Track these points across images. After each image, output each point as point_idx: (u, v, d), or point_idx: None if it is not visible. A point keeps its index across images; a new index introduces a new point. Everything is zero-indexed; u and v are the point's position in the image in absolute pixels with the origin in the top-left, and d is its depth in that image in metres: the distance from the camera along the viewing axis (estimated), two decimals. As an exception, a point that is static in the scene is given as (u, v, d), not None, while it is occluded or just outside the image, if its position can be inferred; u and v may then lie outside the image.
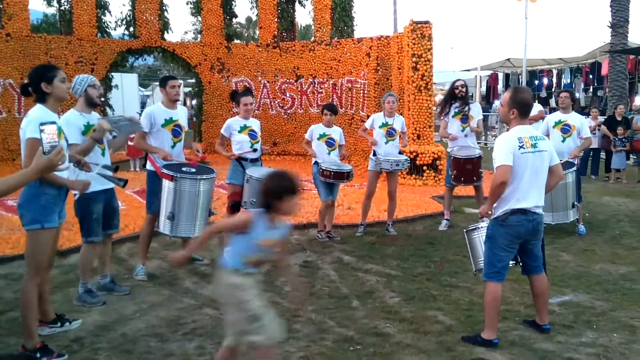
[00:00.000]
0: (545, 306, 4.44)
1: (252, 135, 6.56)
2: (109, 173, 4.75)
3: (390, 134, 7.50)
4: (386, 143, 7.51)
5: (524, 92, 4.33)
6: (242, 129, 6.53)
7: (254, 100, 6.72)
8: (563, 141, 7.43)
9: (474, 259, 4.80)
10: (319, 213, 7.40)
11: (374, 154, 7.53)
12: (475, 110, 7.83)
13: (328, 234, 7.35)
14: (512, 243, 4.22)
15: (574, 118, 7.58)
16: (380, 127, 7.53)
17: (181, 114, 5.96)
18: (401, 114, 12.67)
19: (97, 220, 4.97)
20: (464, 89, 7.76)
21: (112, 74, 16.48)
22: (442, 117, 7.98)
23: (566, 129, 7.49)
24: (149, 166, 5.85)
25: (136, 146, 5.99)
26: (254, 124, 6.65)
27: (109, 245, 5.43)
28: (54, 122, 3.30)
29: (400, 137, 7.63)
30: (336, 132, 7.41)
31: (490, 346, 4.14)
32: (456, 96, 7.77)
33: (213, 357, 4.02)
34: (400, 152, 7.71)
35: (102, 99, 5.28)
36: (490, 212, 4.31)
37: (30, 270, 4.02)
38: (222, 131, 6.61)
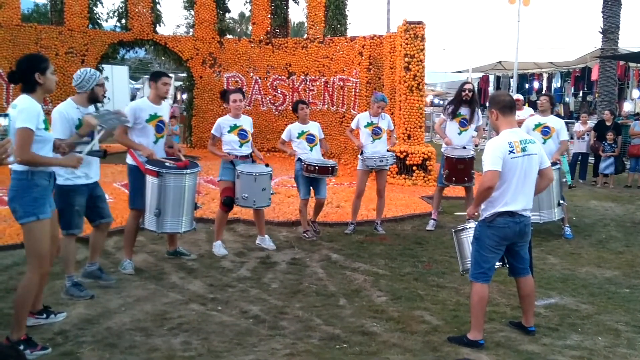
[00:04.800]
0: (531, 308, 4.46)
1: (242, 135, 6.52)
2: (91, 148, 4.64)
3: (376, 132, 7.50)
4: (372, 142, 7.51)
5: (499, 93, 4.66)
6: (232, 128, 6.48)
7: (244, 98, 6.61)
8: (544, 143, 7.45)
9: (461, 259, 4.81)
10: (299, 212, 7.37)
11: (362, 154, 7.54)
12: (476, 117, 7.81)
13: (313, 225, 7.36)
14: (498, 244, 4.23)
15: (553, 120, 7.67)
16: (365, 126, 7.53)
17: (165, 110, 5.89)
18: (392, 114, 12.73)
19: (78, 212, 4.93)
20: (470, 93, 7.71)
21: (103, 65, 16.36)
22: (443, 115, 7.94)
23: (546, 131, 7.57)
24: (130, 161, 5.72)
25: (118, 142, 5.73)
26: (245, 122, 6.60)
27: (104, 234, 5.39)
28: (6, 115, 3.30)
29: (388, 135, 7.62)
30: (314, 127, 7.36)
31: (476, 347, 4.15)
32: (462, 99, 7.72)
33: (198, 353, 4.01)
34: (388, 151, 7.71)
35: (105, 96, 5.23)
36: (477, 214, 4.34)
37: (33, 263, 3.98)
38: (212, 131, 6.55)
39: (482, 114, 8.66)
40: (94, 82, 4.91)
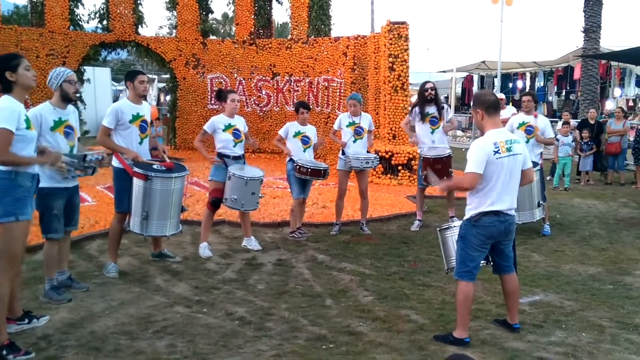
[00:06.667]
0: (515, 306, 4.49)
1: (236, 134, 6.52)
2: (75, 161, 4.61)
3: (358, 132, 7.51)
4: (354, 142, 7.52)
5: (483, 92, 4.62)
6: (227, 127, 6.48)
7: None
8: (527, 142, 7.50)
9: (446, 257, 4.82)
10: (291, 212, 7.36)
11: (343, 153, 7.54)
12: (445, 113, 7.81)
13: (299, 229, 7.34)
14: (484, 243, 4.25)
15: (538, 119, 7.70)
16: (347, 126, 7.55)
17: (146, 110, 5.82)
18: (376, 114, 12.75)
19: (57, 216, 4.87)
20: (433, 92, 7.76)
21: (85, 67, 16.18)
22: (410, 117, 7.99)
23: (530, 130, 7.61)
24: (116, 163, 5.65)
25: (101, 144, 5.67)
26: (239, 122, 6.61)
27: (67, 242, 5.30)
28: None
29: (367, 135, 7.63)
30: (311, 131, 7.40)
31: (461, 345, 4.17)
32: (426, 99, 7.77)
33: (183, 356, 3.98)
34: (368, 151, 7.72)
35: (78, 94, 5.16)
36: (441, 191, 4.56)
37: (5, 264, 3.92)
38: (205, 127, 6.53)
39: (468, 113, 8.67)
40: (62, 79, 4.85)
